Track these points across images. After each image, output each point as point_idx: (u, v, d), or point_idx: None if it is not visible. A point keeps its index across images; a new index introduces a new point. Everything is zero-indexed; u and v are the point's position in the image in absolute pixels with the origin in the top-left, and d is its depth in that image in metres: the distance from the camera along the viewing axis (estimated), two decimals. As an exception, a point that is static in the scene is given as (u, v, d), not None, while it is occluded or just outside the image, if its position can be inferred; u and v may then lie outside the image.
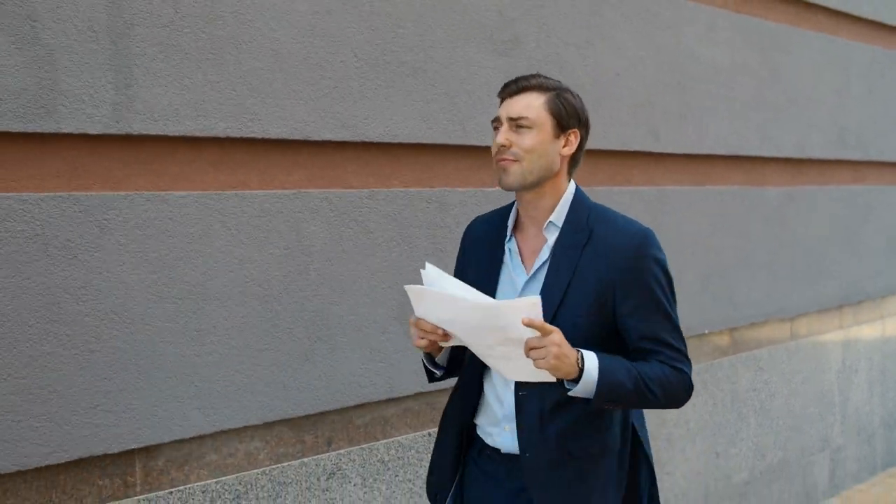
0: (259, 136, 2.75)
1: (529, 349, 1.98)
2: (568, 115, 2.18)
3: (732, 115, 4.45)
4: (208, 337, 2.64)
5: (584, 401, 2.08)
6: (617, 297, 2.12)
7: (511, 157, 2.14)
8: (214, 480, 2.72)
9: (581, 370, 2.03)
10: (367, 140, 3.00)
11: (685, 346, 2.18)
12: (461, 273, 2.28)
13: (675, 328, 2.17)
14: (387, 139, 3.06)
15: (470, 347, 2.11)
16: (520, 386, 2.14)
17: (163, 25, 2.53)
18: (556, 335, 1.98)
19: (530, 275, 2.18)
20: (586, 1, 3.71)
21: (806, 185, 5.01)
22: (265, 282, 2.78)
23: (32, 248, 2.34)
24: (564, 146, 2.17)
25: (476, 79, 3.31)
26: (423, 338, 2.10)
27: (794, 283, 4.92)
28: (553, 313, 2.11)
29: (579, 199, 2.21)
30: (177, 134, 2.58)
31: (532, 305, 1.96)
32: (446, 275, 2.09)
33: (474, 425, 2.27)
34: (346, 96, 2.94)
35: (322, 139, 2.89)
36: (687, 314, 4.22)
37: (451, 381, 2.37)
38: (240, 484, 2.77)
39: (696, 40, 4.22)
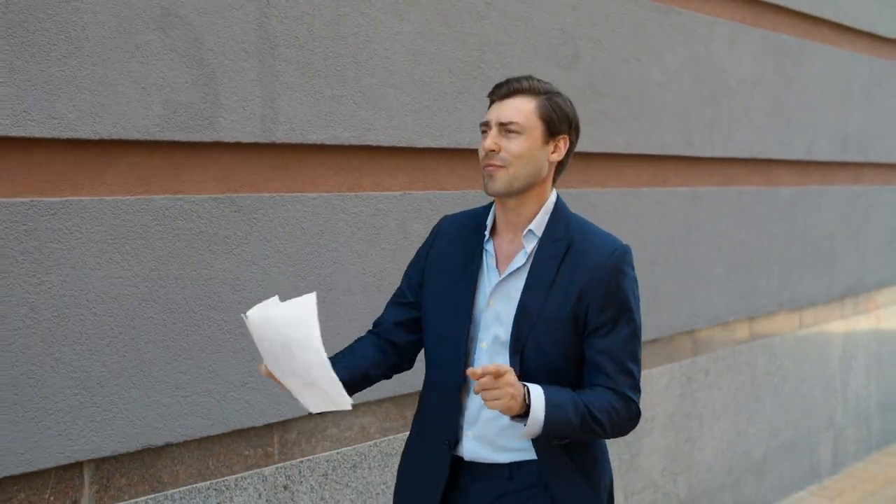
0: (373, 143, 3.08)
1: (482, 390, 1.93)
2: (559, 121, 2.12)
3: (752, 123, 4.85)
4: (334, 322, 2.97)
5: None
6: (591, 310, 2.08)
7: (499, 163, 2.09)
8: (335, 451, 3.04)
9: (528, 407, 1.98)
10: (458, 147, 3.35)
11: (640, 370, 2.14)
12: (428, 269, 2.25)
13: (636, 351, 2.13)
14: (475, 146, 3.40)
15: (286, 385, 2.03)
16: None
17: (299, 46, 2.86)
18: (510, 376, 1.94)
19: (501, 278, 2.14)
20: (633, 20, 4.08)
21: (813, 186, 5.43)
22: (379, 273, 3.11)
23: (197, 244, 2.66)
24: (553, 152, 2.13)
25: (545, 91, 3.66)
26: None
27: (803, 275, 5.33)
28: (533, 322, 2.08)
29: (560, 209, 2.18)
30: (309, 142, 2.90)
31: (307, 301, 1.88)
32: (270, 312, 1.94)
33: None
34: (442, 108, 3.28)
35: (423, 146, 3.23)
36: (715, 304, 4.63)
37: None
38: (355, 454, 3.10)
39: (723, 54, 4.61)
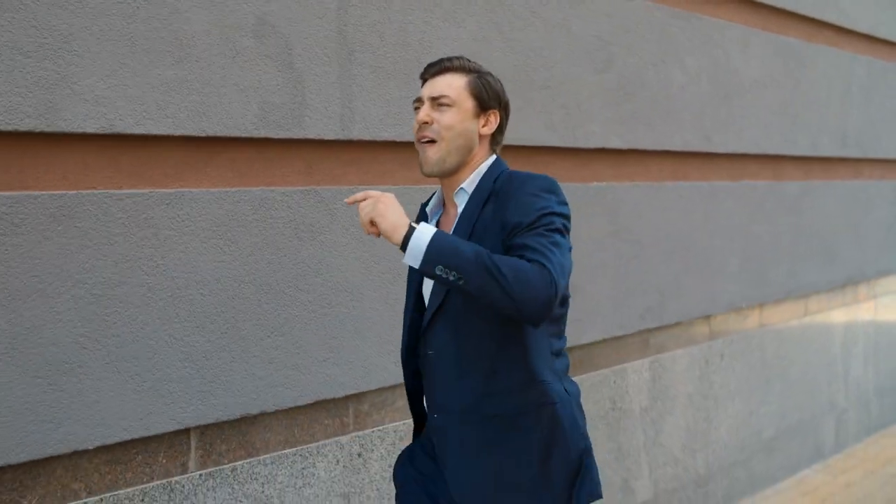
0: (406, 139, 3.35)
1: (360, 208, 2.08)
2: (489, 97, 2.22)
3: (762, 121, 5.15)
4: (401, 307, 3.24)
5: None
6: (508, 224, 2.07)
7: (431, 135, 2.16)
8: (402, 422, 3.32)
9: (410, 232, 2.01)
10: (507, 143, 3.62)
11: (561, 261, 2.01)
12: None
13: (554, 244, 2.02)
14: (523, 143, 3.68)
15: None
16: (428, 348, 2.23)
17: (372, 52, 3.13)
18: (386, 196, 2.08)
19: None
20: (659, 26, 4.37)
21: (816, 181, 5.74)
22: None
23: (287, 231, 2.93)
24: (484, 126, 2.21)
25: (583, 92, 3.95)
26: None
27: (808, 265, 5.64)
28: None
29: (494, 168, 2.22)
30: (381, 139, 3.17)
31: None
32: None
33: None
34: (537, 112, 3.56)
35: (477, 143, 3.51)
36: (730, 291, 4.93)
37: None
38: (418, 426, 3.37)
39: (736, 57, 4.91)
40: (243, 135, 2.79)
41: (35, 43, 2.36)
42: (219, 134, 2.73)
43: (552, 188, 2.12)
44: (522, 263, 1.97)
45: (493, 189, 2.15)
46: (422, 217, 2.35)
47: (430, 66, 2.25)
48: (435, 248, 1.99)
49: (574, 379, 2.36)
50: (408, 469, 2.39)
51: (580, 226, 3.96)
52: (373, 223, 2.08)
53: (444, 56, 2.29)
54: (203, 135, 2.70)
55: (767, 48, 5.15)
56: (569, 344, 2.41)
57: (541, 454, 2.14)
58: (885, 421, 6.73)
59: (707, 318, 4.88)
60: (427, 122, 2.17)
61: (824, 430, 5.95)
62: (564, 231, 2.09)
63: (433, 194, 2.37)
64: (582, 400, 2.36)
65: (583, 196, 3.97)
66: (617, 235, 4.19)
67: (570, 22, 3.88)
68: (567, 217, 2.12)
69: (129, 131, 2.54)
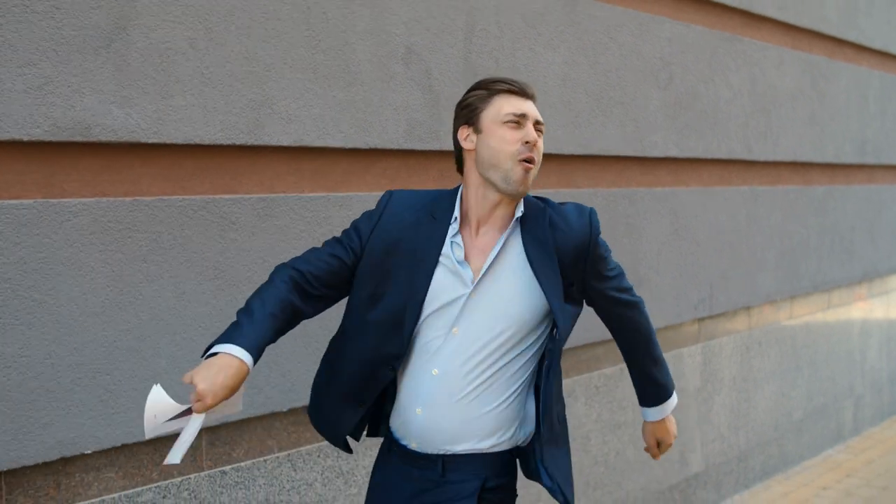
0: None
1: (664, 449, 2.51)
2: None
3: (794, 131, 5.69)
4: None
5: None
6: (588, 271, 2.19)
7: (536, 157, 2.08)
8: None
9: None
10: (592, 153, 4.14)
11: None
12: (373, 242, 2.13)
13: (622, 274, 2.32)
14: (604, 153, 4.20)
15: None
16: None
17: (489, 75, 3.63)
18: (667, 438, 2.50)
19: (482, 273, 2.11)
20: (709, 48, 4.90)
21: (839, 185, 6.29)
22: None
23: (425, 229, 3.42)
24: None
25: (649, 107, 4.47)
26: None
27: (831, 262, 6.19)
28: (561, 303, 2.13)
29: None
30: (326, 145, 3.63)
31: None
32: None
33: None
34: (580, 122, 4.08)
35: (566, 153, 4.02)
36: (767, 285, 5.46)
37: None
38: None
39: (773, 74, 5.45)
40: (394, 147, 3.29)
41: (246, 71, 2.86)
42: (377, 146, 3.23)
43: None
44: (651, 328, 2.39)
45: (547, 219, 2.17)
46: (394, 209, 2.18)
47: (512, 83, 2.15)
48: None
49: None
50: None
51: (647, 226, 4.49)
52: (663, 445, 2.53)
53: (513, 78, 2.20)
54: (365, 147, 3.20)
55: (797, 66, 5.69)
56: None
57: None
58: (897, 407, 7.30)
59: (748, 308, 5.40)
60: (535, 143, 2.09)
61: (844, 414, 6.50)
62: None
63: (417, 195, 2.24)
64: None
65: (650, 200, 4.49)
66: (677, 234, 4.71)
67: (639, 46, 4.40)
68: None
69: (312, 144, 3.04)
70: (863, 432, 6.73)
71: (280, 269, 2.13)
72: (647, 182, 4.55)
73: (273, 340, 2.03)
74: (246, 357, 1.92)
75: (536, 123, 2.11)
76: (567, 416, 2.38)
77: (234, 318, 2.03)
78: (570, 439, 2.54)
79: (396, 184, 3.35)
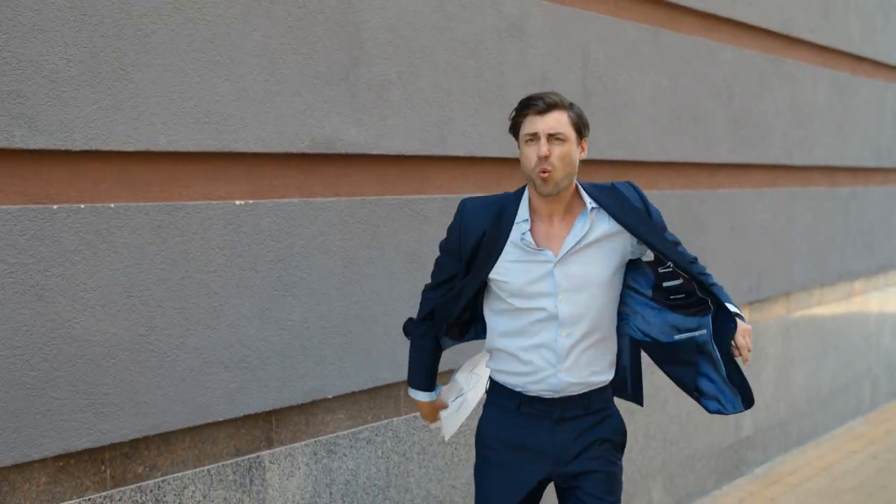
0: (642, 159, 4.61)
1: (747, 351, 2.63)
2: (582, 126, 2.56)
3: (824, 140, 6.47)
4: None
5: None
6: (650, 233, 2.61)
7: (549, 168, 2.47)
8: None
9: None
10: (670, 160, 4.90)
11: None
12: (467, 249, 2.62)
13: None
14: (682, 160, 4.95)
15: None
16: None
17: (598, 95, 4.37)
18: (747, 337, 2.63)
19: (559, 257, 2.54)
20: (759, 69, 5.67)
21: (859, 187, 7.08)
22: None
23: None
24: (581, 152, 2.57)
25: (714, 121, 5.23)
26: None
27: (853, 255, 6.98)
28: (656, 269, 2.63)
29: (583, 185, 2.64)
30: (606, 158, 4.41)
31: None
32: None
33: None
34: (663, 134, 4.83)
35: (652, 160, 4.77)
36: (802, 274, 6.24)
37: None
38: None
39: (808, 90, 6.23)
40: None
41: (434, 97, 3.59)
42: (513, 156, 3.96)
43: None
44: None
45: (604, 205, 2.60)
46: (479, 219, 2.64)
47: (534, 102, 2.51)
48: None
49: None
50: None
51: (711, 222, 5.25)
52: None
53: (541, 93, 2.55)
54: (514, 157, 3.93)
55: (827, 82, 6.47)
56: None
57: None
58: (906, 386, 8.11)
59: (787, 295, 6.17)
60: (547, 157, 2.48)
61: (862, 392, 7.29)
62: None
63: (488, 199, 2.72)
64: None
65: (714, 201, 5.25)
66: (733, 230, 5.47)
67: (707, 69, 5.16)
68: None
69: (479, 154, 3.77)
70: (879, 407, 7.53)
71: (423, 332, 2.83)
72: (712, 185, 5.31)
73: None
74: (426, 397, 2.87)
75: (551, 135, 2.48)
76: (648, 382, 3.03)
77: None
78: (651, 402, 3.18)
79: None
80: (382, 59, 3.38)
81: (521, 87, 3.95)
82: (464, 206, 2.67)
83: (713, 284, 2.70)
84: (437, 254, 2.81)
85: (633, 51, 4.59)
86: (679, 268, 2.59)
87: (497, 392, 2.72)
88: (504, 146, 3.88)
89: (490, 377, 2.76)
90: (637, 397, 2.85)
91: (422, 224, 3.57)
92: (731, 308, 2.63)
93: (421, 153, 3.55)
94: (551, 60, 4.10)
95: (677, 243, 2.70)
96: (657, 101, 4.78)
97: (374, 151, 3.38)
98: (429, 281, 2.87)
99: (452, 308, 2.69)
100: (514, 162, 3.96)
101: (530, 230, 2.58)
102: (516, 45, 3.92)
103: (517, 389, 2.65)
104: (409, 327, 2.85)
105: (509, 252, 2.58)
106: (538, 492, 2.71)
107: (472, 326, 2.80)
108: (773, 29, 5.74)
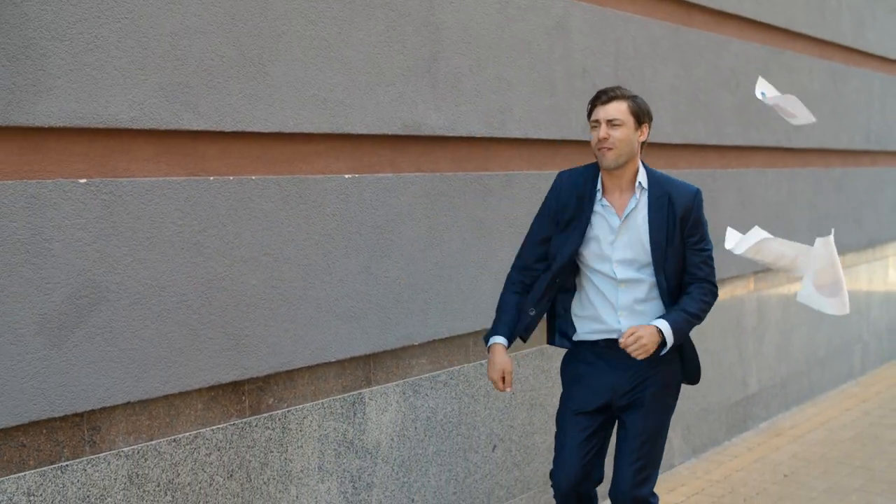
0: (694, 142, 5.18)
1: (632, 347, 3.04)
2: (642, 114, 3.13)
3: (821, 124, 7.06)
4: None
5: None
6: (686, 233, 3.17)
7: (608, 146, 3.07)
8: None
9: (663, 338, 3.11)
10: (687, 142, 5.47)
11: (713, 266, 3.29)
12: (558, 211, 3.23)
13: (711, 261, 3.27)
14: (696, 142, 5.52)
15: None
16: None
17: (659, 97, 4.93)
18: (641, 331, 3.04)
19: (622, 218, 3.17)
20: (763, 60, 6.25)
21: (850, 167, 7.69)
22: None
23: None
24: (641, 136, 3.15)
25: (723, 106, 5.81)
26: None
27: (846, 230, 7.58)
28: (664, 251, 3.13)
29: (648, 169, 3.21)
30: (670, 142, 4.95)
31: (826, 243, 3.56)
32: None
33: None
34: (681, 119, 5.40)
35: (672, 143, 5.34)
36: (811, 245, 6.78)
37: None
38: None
39: (806, 79, 6.82)
40: (574, 138, 4.59)
41: (496, 87, 4.14)
42: (565, 137, 4.53)
43: (701, 200, 3.34)
44: (706, 296, 3.24)
45: (666, 192, 3.18)
46: (569, 186, 3.27)
47: (599, 96, 3.16)
48: (677, 341, 3.17)
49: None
50: None
51: (722, 199, 5.83)
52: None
53: (607, 88, 3.23)
54: (559, 138, 4.49)
55: (822, 72, 7.07)
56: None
57: None
58: (894, 353, 8.75)
59: (787, 266, 6.77)
60: (605, 138, 3.10)
61: (853, 357, 7.91)
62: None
63: (570, 170, 3.36)
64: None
65: (724, 179, 5.84)
66: (742, 206, 6.06)
67: (717, 61, 5.73)
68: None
69: (532, 136, 4.33)
70: (868, 372, 8.15)
71: (507, 282, 3.41)
72: (722, 165, 5.89)
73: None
74: (501, 339, 3.30)
75: (609, 121, 3.10)
76: None
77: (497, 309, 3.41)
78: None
79: (575, 163, 4.63)
80: (457, 54, 3.93)
81: (566, 78, 4.51)
82: (560, 177, 3.33)
83: (688, 294, 3.23)
84: (500, 222, 3.56)
85: (656, 45, 5.16)
86: (660, 268, 3.17)
87: None
88: (552, 129, 4.44)
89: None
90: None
91: (486, 197, 4.13)
92: (667, 318, 3.16)
93: (486, 135, 4.10)
94: (589, 54, 4.66)
95: (704, 254, 3.28)
96: (676, 90, 5.35)
97: (450, 133, 3.93)
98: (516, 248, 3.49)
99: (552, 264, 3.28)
100: (561, 143, 4.53)
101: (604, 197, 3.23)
102: (562, 41, 4.47)
103: None
104: (505, 281, 3.42)
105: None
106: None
107: (558, 297, 3.35)
108: (776, 24, 6.33)
